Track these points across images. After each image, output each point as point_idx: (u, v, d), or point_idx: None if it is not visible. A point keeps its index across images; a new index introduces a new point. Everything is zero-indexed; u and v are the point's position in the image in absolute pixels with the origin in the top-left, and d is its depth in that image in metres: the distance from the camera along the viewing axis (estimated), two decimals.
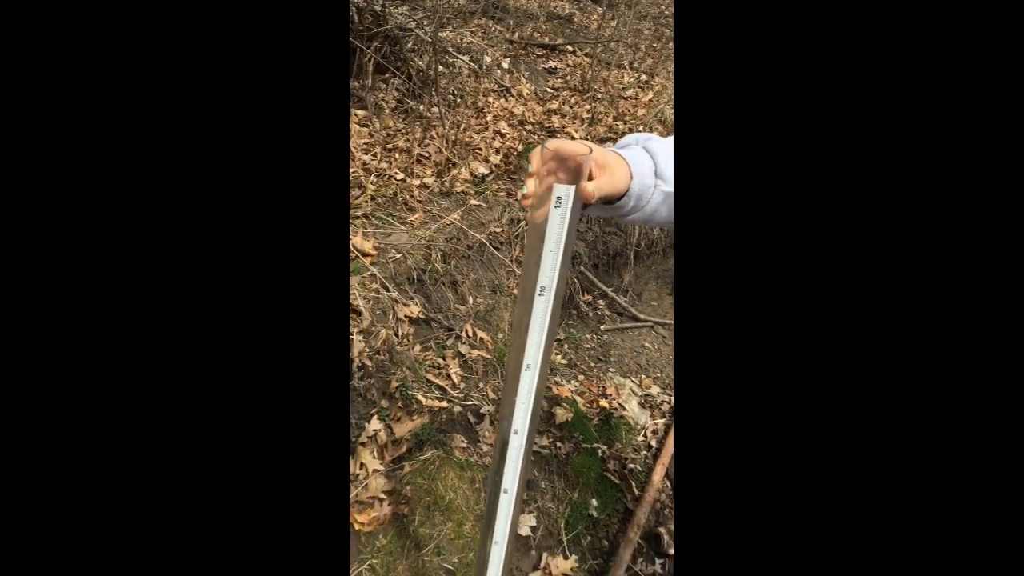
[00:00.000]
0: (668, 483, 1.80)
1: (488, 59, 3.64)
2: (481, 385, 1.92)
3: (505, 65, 3.80)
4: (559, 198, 0.52)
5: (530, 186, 0.55)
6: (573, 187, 0.52)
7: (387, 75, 2.75)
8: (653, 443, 1.92)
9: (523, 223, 2.36)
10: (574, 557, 1.54)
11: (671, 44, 4.89)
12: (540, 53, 4.25)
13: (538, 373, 0.63)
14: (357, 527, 1.43)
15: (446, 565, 1.39)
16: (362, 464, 1.56)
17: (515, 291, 2.24)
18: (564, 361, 2.28)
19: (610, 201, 0.62)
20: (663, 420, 2.02)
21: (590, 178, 0.56)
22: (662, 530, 1.63)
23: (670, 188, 0.63)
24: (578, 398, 2.02)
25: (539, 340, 0.61)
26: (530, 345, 0.61)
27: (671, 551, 1.59)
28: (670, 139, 0.67)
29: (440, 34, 3.17)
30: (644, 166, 0.62)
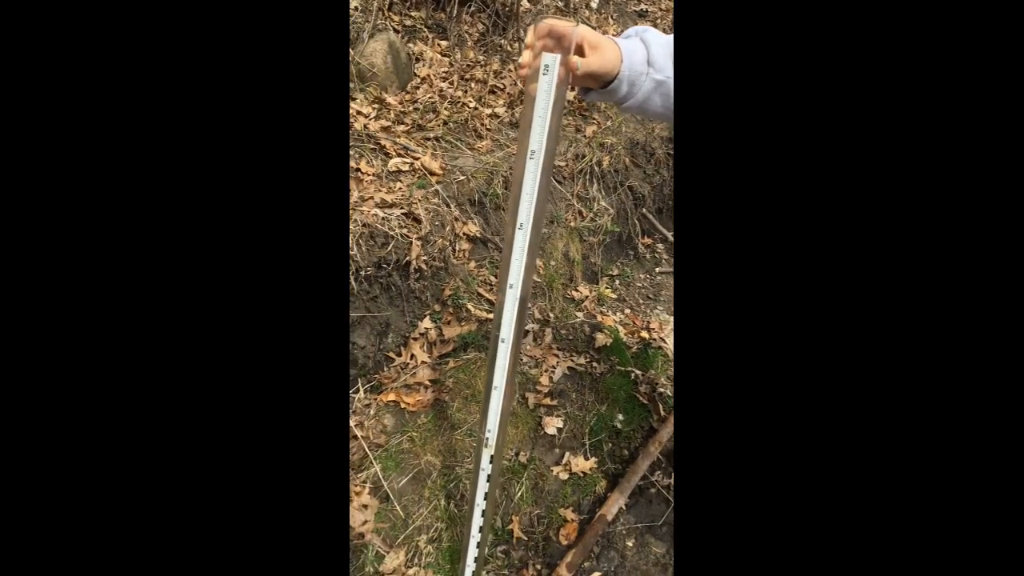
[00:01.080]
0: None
1: None
2: (529, 306, 2.05)
3: (594, 5, 3.76)
4: (546, 66, 0.62)
5: (525, 57, 0.65)
6: (559, 56, 0.62)
7: (472, 7, 2.83)
8: None
9: (588, 158, 2.42)
10: (594, 459, 1.67)
11: None
12: None
13: (530, 231, 0.75)
14: (403, 406, 1.63)
15: (475, 445, 1.56)
16: (412, 355, 1.75)
17: (572, 223, 2.33)
18: (614, 295, 2.36)
19: (605, 85, 0.71)
20: None
21: (582, 55, 0.66)
22: None
23: (662, 76, 0.71)
24: (620, 328, 2.11)
25: (530, 200, 0.72)
26: (522, 205, 0.73)
27: None
28: (672, 35, 0.74)
29: None
30: (637, 53, 0.70)
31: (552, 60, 0.62)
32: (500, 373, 0.89)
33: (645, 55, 0.70)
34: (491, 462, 1.01)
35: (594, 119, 2.65)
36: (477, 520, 1.10)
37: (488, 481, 1.04)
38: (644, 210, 2.69)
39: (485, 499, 1.06)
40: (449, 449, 1.55)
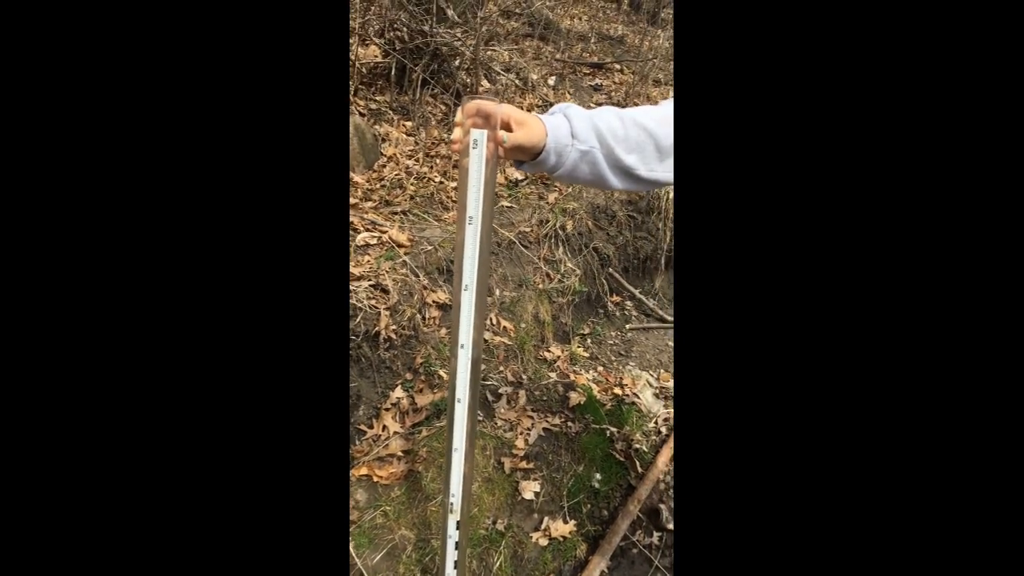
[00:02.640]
0: (673, 466, 1.87)
1: (534, 76, 3.84)
2: (502, 368, 2.07)
3: (551, 82, 3.99)
4: (475, 140, 0.68)
5: (456, 133, 0.71)
6: (486, 131, 0.68)
7: (435, 89, 2.99)
8: (663, 430, 2.00)
9: (552, 223, 2.51)
10: (573, 522, 1.64)
11: None
12: (587, 71, 4.42)
13: (475, 291, 0.78)
14: (376, 479, 1.61)
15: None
16: (384, 426, 1.74)
17: (540, 285, 2.38)
18: (586, 354, 2.39)
19: (534, 157, 0.77)
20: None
21: (509, 131, 0.72)
22: (662, 506, 1.71)
23: (585, 147, 0.77)
24: (594, 386, 2.13)
25: (472, 263, 0.76)
26: (466, 267, 0.77)
27: (670, 526, 1.67)
28: (593, 110, 0.81)
29: (487, 53, 3.40)
30: (561, 128, 0.76)
31: (480, 135, 0.68)
32: (459, 434, 0.90)
33: (568, 128, 0.77)
34: (457, 528, 1.00)
35: (555, 187, 2.77)
36: None
37: (456, 549, 1.02)
38: (611, 270, 2.76)
39: (455, 568, 1.04)
40: (423, 521, 1.52)
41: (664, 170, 0.81)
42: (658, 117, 0.79)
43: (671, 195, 2.90)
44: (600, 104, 4.07)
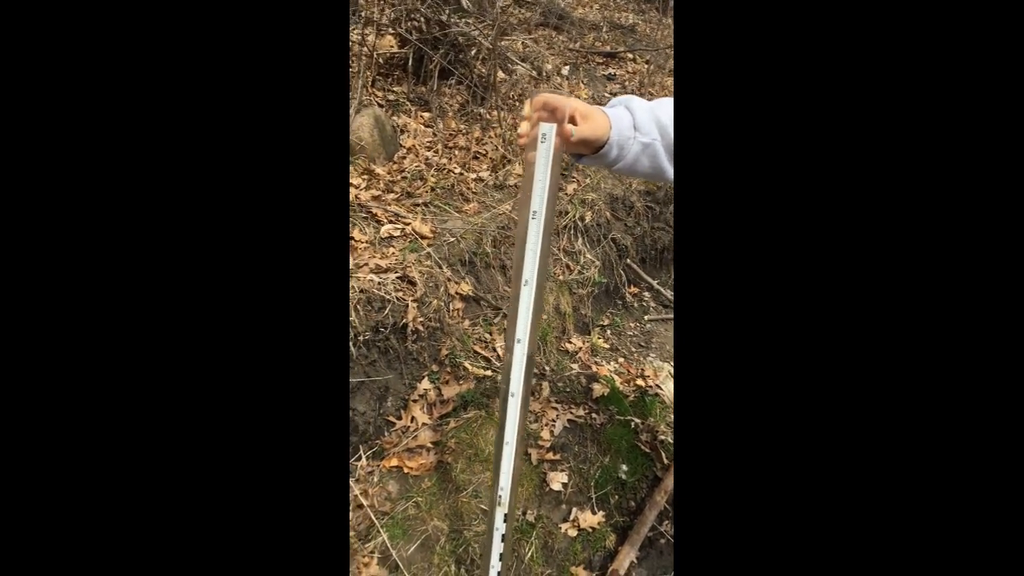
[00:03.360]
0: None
1: (548, 66, 3.82)
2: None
3: (565, 72, 3.97)
4: (543, 134, 0.68)
5: (523, 128, 0.71)
6: (554, 125, 0.68)
7: (452, 80, 2.98)
8: None
9: (571, 214, 2.51)
10: (602, 513, 1.65)
11: None
12: (600, 61, 4.39)
13: (535, 286, 0.78)
14: (406, 471, 1.62)
15: (482, 506, 1.54)
16: (413, 418, 1.75)
17: (560, 277, 2.38)
18: (606, 345, 2.39)
19: (596, 150, 0.76)
20: None
21: (574, 124, 0.71)
22: None
23: (647, 139, 0.77)
24: (616, 377, 2.13)
25: (534, 257, 0.76)
26: (527, 262, 0.77)
27: None
28: (654, 101, 0.80)
29: (502, 43, 3.38)
30: (624, 120, 0.76)
31: (549, 129, 0.68)
32: (511, 428, 0.90)
33: (631, 121, 0.76)
34: (504, 521, 1.01)
35: (574, 178, 2.76)
36: None
37: (503, 541, 1.03)
38: (628, 260, 2.76)
39: (500, 560, 1.05)
40: (456, 512, 1.53)
41: None
42: None
43: None
44: (616, 94, 4.05)
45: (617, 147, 0.76)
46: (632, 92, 4.03)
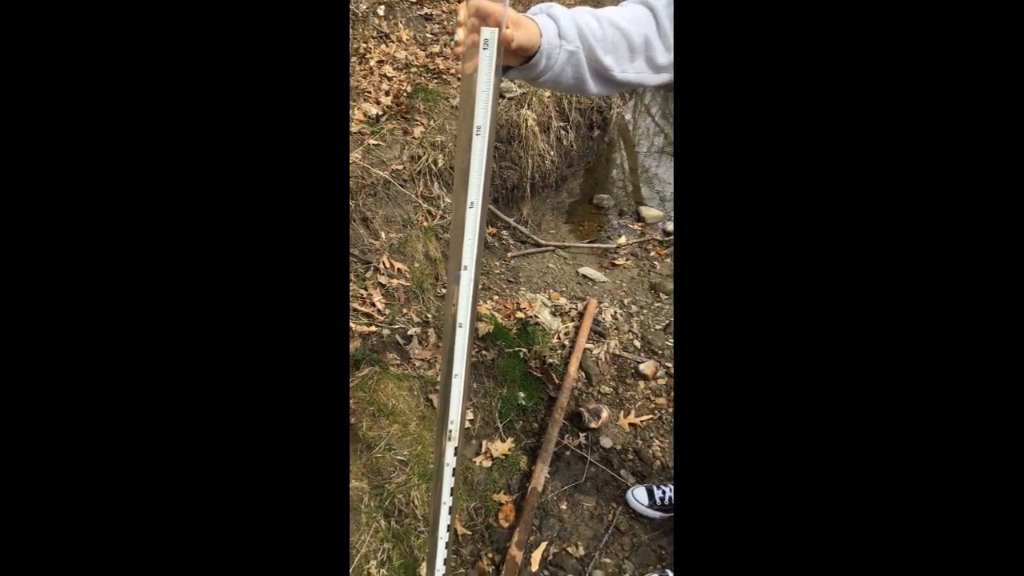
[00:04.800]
0: (583, 373, 2.02)
1: (364, 6, 3.58)
2: (405, 310, 2.02)
3: (381, 12, 3.76)
4: (486, 40, 0.65)
5: (460, 35, 0.67)
6: (496, 29, 0.65)
7: None
8: (566, 343, 2.14)
9: (424, 158, 2.44)
10: (510, 439, 1.72)
11: None
12: (414, 0, 4.22)
13: (480, 207, 0.76)
14: None
15: (399, 457, 1.51)
16: None
17: (424, 224, 2.33)
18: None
19: (526, 60, 0.75)
20: (572, 324, 2.24)
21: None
22: (582, 409, 1.85)
23: (572, 47, 0.77)
24: (496, 314, 2.18)
25: (479, 178, 0.74)
26: (471, 184, 0.74)
27: (592, 425, 1.82)
28: (572, 9, 0.80)
29: None
30: (549, 28, 0.75)
31: (491, 34, 0.65)
32: (460, 360, 0.89)
33: (556, 29, 0.76)
34: (455, 455, 1.01)
35: (418, 121, 2.67)
36: (445, 519, 1.08)
37: (453, 476, 1.03)
38: None
39: (452, 495, 1.05)
40: (373, 469, 1.48)
41: (634, 71, 0.84)
42: (627, 16, 0.81)
43: (530, 123, 2.97)
44: (436, 34, 3.94)
45: (546, 56, 0.75)
46: (453, 31, 3.95)
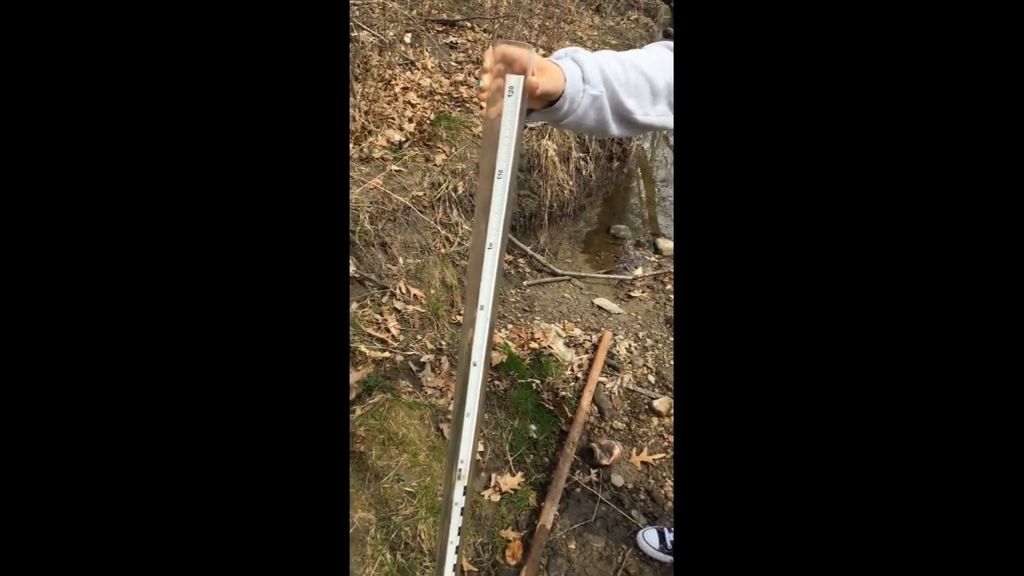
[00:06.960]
0: (596, 407, 2.00)
1: (391, 34, 3.66)
2: (419, 337, 2.02)
3: (407, 40, 3.83)
4: (511, 87, 0.65)
5: (485, 80, 0.67)
6: (522, 77, 0.65)
7: None
8: (580, 375, 2.11)
9: (444, 186, 2.46)
10: (520, 473, 1.69)
11: (562, 24, 5.10)
12: (440, 29, 4.31)
13: (498, 250, 0.76)
14: None
15: (407, 489, 1.49)
16: None
17: (442, 250, 2.34)
18: None
19: (550, 104, 0.75)
20: (586, 356, 2.22)
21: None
22: (594, 445, 1.82)
23: (596, 92, 0.77)
24: (510, 343, 2.17)
25: (499, 220, 0.74)
26: (491, 225, 0.74)
27: (603, 461, 1.79)
28: (596, 54, 0.81)
29: None
30: (574, 73, 0.75)
31: (516, 81, 0.65)
32: (473, 399, 0.88)
33: (580, 74, 0.76)
34: (464, 495, 0.99)
35: (440, 148, 2.70)
36: (451, 558, 1.06)
37: (462, 515, 1.01)
38: None
39: (459, 535, 1.03)
40: (380, 500, 1.47)
41: (657, 114, 0.84)
42: (651, 60, 0.82)
43: (551, 153, 2.99)
44: (460, 62, 4.01)
45: (569, 100, 0.75)
46: (477, 60, 4.02)
